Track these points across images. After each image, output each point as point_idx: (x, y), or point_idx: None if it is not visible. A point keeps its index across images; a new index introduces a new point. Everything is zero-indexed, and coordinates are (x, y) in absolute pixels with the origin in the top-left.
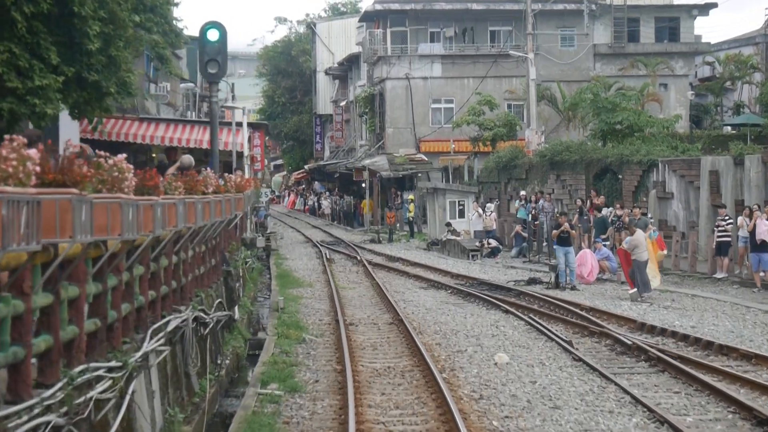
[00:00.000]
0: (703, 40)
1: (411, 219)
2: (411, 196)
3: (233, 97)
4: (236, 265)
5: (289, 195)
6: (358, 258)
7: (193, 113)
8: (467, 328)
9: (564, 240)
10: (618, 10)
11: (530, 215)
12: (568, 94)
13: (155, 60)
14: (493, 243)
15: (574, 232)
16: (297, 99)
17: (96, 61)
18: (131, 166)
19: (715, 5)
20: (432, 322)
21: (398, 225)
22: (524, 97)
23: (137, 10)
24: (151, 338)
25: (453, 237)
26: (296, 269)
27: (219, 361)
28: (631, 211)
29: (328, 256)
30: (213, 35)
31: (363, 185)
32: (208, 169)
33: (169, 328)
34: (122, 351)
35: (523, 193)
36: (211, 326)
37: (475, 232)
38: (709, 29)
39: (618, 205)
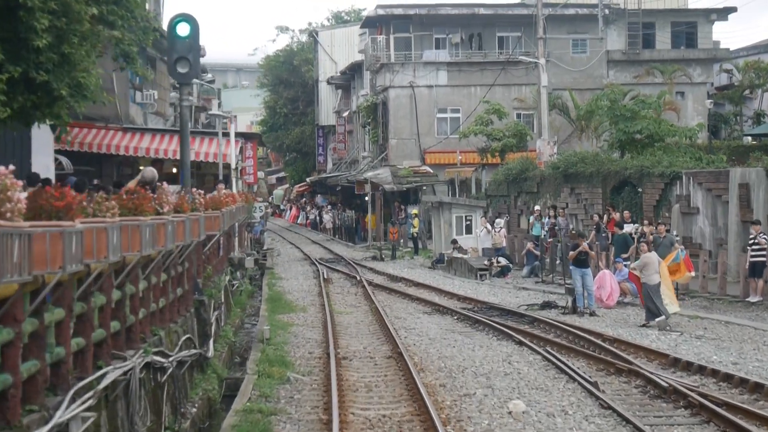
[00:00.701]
0: (722, 46)
1: (415, 235)
2: (415, 211)
3: (219, 105)
4: (214, 291)
5: (291, 208)
6: (358, 278)
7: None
8: (476, 363)
9: (581, 261)
10: (632, 15)
11: (545, 231)
12: (580, 103)
13: (120, 59)
14: (503, 261)
15: (593, 252)
16: (299, 110)
17: (45, 60)
18: (19, 182)
19: (734, 9)
20: (436, 356)
21: (402, 241)
22: (534, 106)
23: (96, 1)
24: (73, 401)
25: (459, 255)
26: (290, 290)
27: (183, 410)
28: (656, 227)
29: (325, 276)
30: (183, 30)
31: (366, 198)
32: (164, 184)
33: (104, 383)
34: (19, 426)
35: (537, 207)
36: (171, 370)
37: (483, 249)
38: (727, 35)
39: (645, 222)
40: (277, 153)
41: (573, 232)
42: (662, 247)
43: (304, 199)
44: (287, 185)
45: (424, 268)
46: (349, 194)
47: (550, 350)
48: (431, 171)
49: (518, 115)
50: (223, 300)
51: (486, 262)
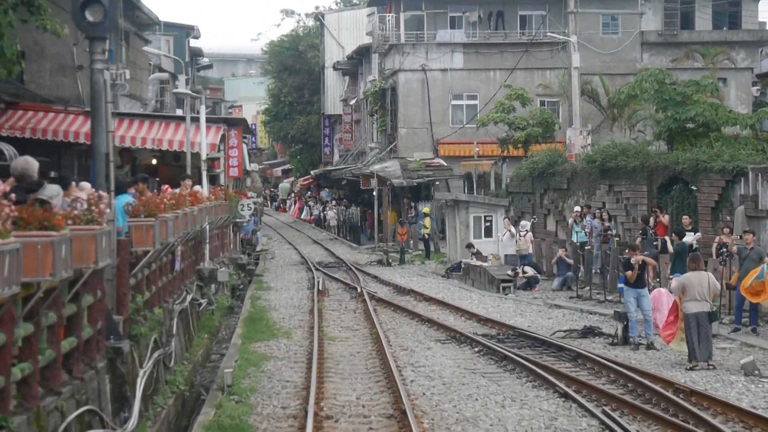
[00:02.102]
0: None
1: (426, 236)
2: (426, 209)
3: (188, 82)
4: (153, 325)
5: (295, 203)
6: (359, 290)
7: (179, 112)
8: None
9: (638, 279)
10: None
11: (584, 234)
12: (612, 90)
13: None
14: (530, 271)
15: (652, 261)
16: (305, 98)
17: None
18: None
19: None
20: (452, 416)
21: (411, 243)
22: (560, 93)
23: None
24: None
25: (478, 262)
26: (277, 306)
27: None
28: (741, 237)
29: (321, 286)
30: None
31: (374, 194)
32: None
33: None
34: None
35: (577, 209)
36: None
37: (506, 256)
38: None
39: (724, 229)
40: (282, 144)
41: (619, 242)
42: (748, 260)
43: (309, 193)
44: (292, 178)
45: (437, 277)
46: (356, 189)
47: (609, 411)
48: (445, 164)
49: (542, 103)
50: (176, 331)
51: (510, 272)
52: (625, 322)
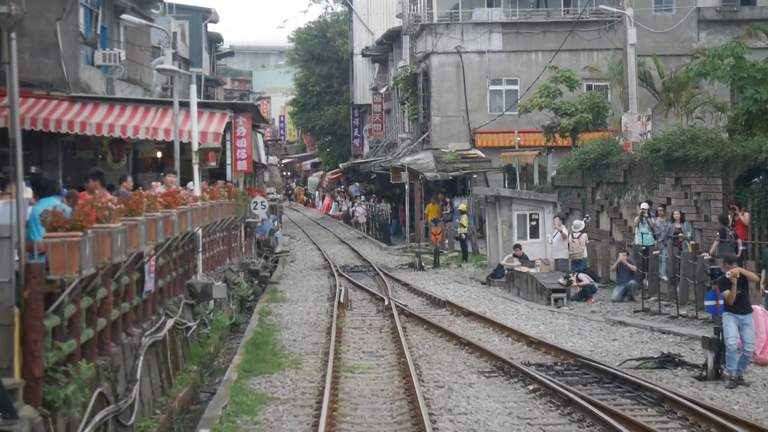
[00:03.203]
0: None
1: (463, 236)
2: (463, 206)
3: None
4: (89, 379)
5: (323, 198)
6: (386, 301)
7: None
8: None
9: (739, 301)
10: None
11: (655, 238)
12: (666, 73)
13: None
14: (585, 279)
15: (753, 275)
16: (334, 88)
17: None
18: None
19: None
20: None
21: (446, 242)
22: (609, 76)
23: None
24: None
25: (524, 268)
26: (289, 324)
27: None
28: None
29: (343, 297)
30: None
31: (405, 188)
32: None
33: None
34: None
35: (644, 205)
36: None
37: (556, 261)
38: None
39: None
40: (311, 136)
41: (717, 256)
42: None
43: (341, 187)
44: (321, 172)
45: (476, 284)
46: (386, 183)
47: None
48: (483, 155)
49: (588, 87)
50: (144, 371)
51: (562, 281)
52: (716, 353)
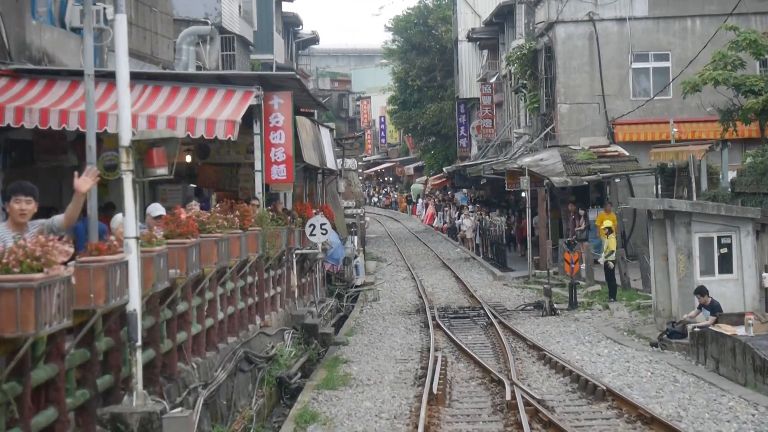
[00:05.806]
0: None
1: (611, 265)
2: (608, 221)
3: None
4: None
5: (426, 207)
6: (508, 389)
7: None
8: None
9: None
10: None
11: None
12: None
13: None
14: None
15: None
16: (436, 82)
17: None
18: None
19: None
20: None
21: (583, 269)
22: None
23: None
24: None
25: (724, 327)
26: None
27: None
28: None
29: (438, 379)
30: None
31: (523, 195)
32: None
33: None
34: None
35: None
36: None
37: None
38: None
39: None
40: (413, 137)
41: None
42: None
43: (447, 193)
44: (424, 177)
45: (642, 344)
46: (500, 190)
47: None
48: (626, 153)
49: (764, 63)
50: None
51: None
52: None
